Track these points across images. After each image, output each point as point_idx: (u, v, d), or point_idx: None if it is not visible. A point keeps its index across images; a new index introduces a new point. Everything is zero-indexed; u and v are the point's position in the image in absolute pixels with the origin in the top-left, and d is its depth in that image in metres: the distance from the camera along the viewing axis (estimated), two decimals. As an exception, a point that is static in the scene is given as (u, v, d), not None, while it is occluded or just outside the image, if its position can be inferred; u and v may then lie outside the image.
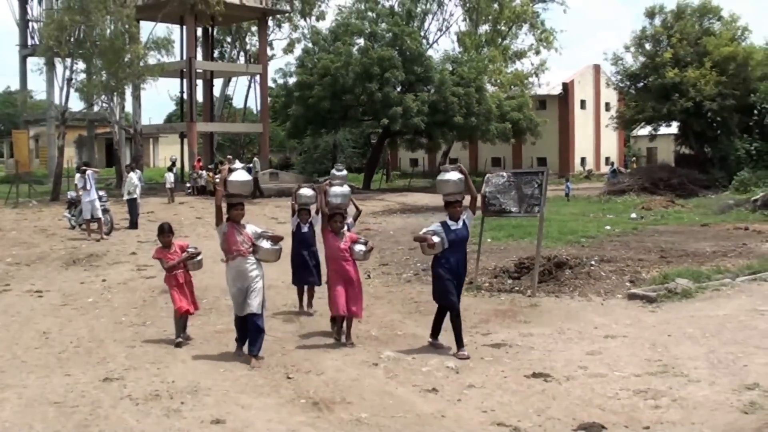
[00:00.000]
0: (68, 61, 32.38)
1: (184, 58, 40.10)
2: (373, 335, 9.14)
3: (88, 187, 18.94)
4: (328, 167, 48.99)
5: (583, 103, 55.77)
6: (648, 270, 12.44)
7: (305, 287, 10.63)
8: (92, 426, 6.18)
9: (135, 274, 13.92)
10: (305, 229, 10.53)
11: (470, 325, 9.30)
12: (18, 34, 42.71)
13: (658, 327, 9.14)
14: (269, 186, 34.37)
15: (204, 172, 34.49)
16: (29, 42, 42.25)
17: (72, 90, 33.07)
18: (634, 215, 23.14)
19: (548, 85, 51.48)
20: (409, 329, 9.49)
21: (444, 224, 8.38)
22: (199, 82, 43.83)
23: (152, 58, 34.73)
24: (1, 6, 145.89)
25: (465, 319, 8.32)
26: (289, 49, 50.82)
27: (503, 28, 48.96)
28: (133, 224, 21.04)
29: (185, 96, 41.52)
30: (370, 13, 40.62)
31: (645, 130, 43.73)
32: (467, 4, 47.80)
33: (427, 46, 44.53)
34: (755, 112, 36.35)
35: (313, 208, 10.46)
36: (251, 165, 29.89)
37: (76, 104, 44.85)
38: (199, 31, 44.15)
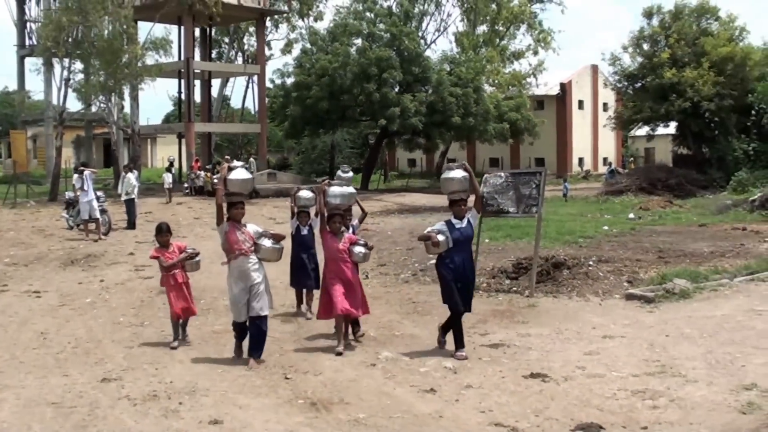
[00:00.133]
0: (66, 61, 32.36)
1: (182, 58, 40.03)
2: (371, 336, 9.13)
3: (85, 187, 18.92)
4: (325, 167, 49.07)
5: (580, 104, 55.72)
6: (646, 270, 12.44)
7: (303, 290, 10.60)
8: (90, 426, 6.18)
9: (133, 274, 13.92)
10: (305, 231, 10.48)
11: (468, 325, 9.26)
12: (16, 34, 42.68)
13: (656, 327, 9.14)
14: (267, 186, 34.30)
15: (202, 173, 34.47)
16: (27, 42, 42.14)
17: (70, 90, 33.16)
18: (631, 215, 23.12)
19: (546, 85, 51.42)
20: (407, 330, 9.49)
21: (448, 223, 8.26)
22: (197, 83, 43.78)
23: (150, 59, 34.77)
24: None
25: (463, 319, 8.32)
26: (287, 49, 50.86)
27: (501, 28, 49.05)
28: (131, 224, 21.03)
29: (183, 96, 41.50)
30: (368, 14, 40.62)
31: (643, 131, 43.73)
32: (465, 5, 47.87)
33: (425, 47, 44.56)
34: (753, 112, 36.29)
35: (312, 210, 10.38)
36: (248, 165, 29.79)
37: (73, 104, 44.81)
38: (197, 32, 44.08)
